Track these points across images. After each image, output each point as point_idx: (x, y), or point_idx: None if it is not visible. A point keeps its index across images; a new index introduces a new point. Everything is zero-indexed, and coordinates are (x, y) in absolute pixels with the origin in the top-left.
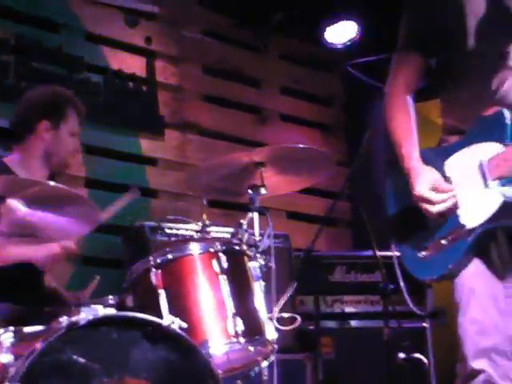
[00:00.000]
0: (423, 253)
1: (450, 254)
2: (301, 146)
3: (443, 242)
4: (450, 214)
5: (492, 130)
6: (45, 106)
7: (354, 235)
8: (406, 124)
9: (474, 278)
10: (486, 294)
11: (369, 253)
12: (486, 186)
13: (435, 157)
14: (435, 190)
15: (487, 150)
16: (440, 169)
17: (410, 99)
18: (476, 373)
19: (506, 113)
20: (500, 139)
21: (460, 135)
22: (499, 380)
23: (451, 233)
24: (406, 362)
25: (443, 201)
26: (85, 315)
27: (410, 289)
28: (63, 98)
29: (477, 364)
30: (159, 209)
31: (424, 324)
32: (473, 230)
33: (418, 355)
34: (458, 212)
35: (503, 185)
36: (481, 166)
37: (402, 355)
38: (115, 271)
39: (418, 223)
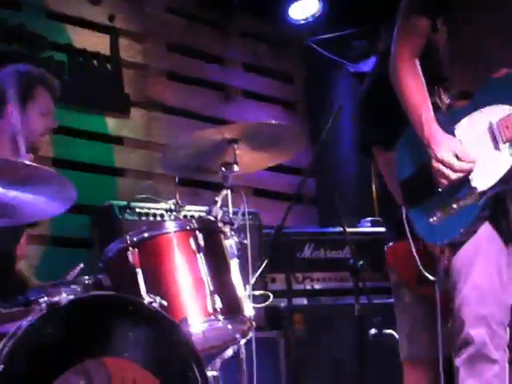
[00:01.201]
0: (434, 217)
1: (460, 218)
2: (273, 122)
3: (454, 206)
4: (463, 176)
5: (502, 92)
6: (9, 90)
7: (320, 212)
8: (419, 90)
9: (481, 243)
10: (490, 261)
11: (336, 229)
12: (497, 148)
13: (445, 121)
14: (456, 156)
15: (497, 113)
16: (451, 133)
17: (417, 63)
18: (471, 340)
19: None
20: (511, 101)
21: (469, 96)
22: (493, 350)
23: (463, 196)
24: (377, 338)
25: (464, 169)
26: (65, 296)
27: (382, 263)
28: (29, 78)
29: (474, 331)
30: (127, 188)
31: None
32: (483, 193)
33: (389, 331)
34: (470, 176)
35: None
36: (491, 129)
37: (373, 331)
38: (84, 251)
39: (428, 188)
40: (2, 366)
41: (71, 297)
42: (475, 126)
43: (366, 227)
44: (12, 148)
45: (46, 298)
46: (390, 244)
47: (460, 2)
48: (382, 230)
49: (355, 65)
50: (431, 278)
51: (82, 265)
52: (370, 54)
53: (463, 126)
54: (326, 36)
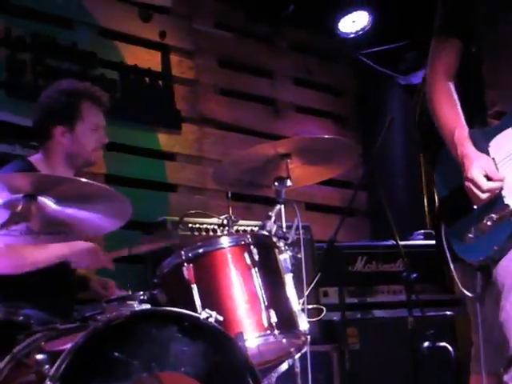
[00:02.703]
0: (469, 235)
1: (495, 235)
2: (325, 136)
3: (488, 223)
4: (496, 195)
5: None
6: (57, 111)
7: (371, 225)
8: (453, 110)
9: None
10: None
11: (389, 242)
12: None
13: (480, 138)
14: (487, 176)
15: None
16: (484, 150)
17: (452, 85)
18: None
19: None
20: None
21: (501, 117)
22: None
23: (496, 213)
24: (431, 351)
25: (492, 189)
26: (122, 311)
27: (435, 276)
28: (74, 95)
29: None
30: (178, 203)
31: (448, 312)
32: None
33: (443, 344)
34: (503, 193)
35: None
36: None
37: (426, 344)
38: (139, 266)
39: (465, 206)
40: (60, 383)
41: (127, 313)
42: (509, 143)
43: (419, 240)
44: (67, 166)
45: (102, 315)
46: None
47: (489, 27)
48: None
49: (406, 77)
50: (469, 294)
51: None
52: (420, 66)
53: (497, 144)
54: (377, 49)
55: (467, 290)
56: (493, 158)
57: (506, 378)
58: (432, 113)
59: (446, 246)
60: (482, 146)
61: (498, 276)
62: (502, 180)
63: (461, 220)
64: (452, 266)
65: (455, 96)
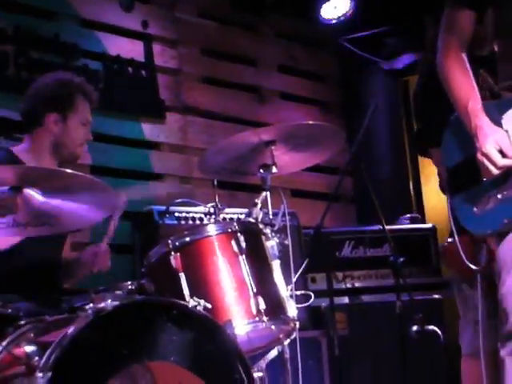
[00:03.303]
0: (478, 206)
1: (505, 209)
2: (310, 122)
3: (499, 196)
4: (509, 170)
5: None
6: (52, 99)
7: (357, 210)
8: (467, 81)
9: None
10: None
11: (375, 227)
12: None
13: (493, 110)
14: (501, 152)
15: None
16: (497, 122)
17: (465, 56)
18: None
19: None
20: None
21: None
22: None
23: (507, 189)
24: (419, 335)
25: (507, 165)
26: (110, 301)
27: (422, 260)
28: (71, 87)
29: None
30: (164, 193)
31: (436, 295)
32: None
33: (431, 327)
34: None
35: None
36: None
37: (415, 328)
38: (126, 256)
39: (473, 177)
40: (51, 374)
41: (116, 303)
42: None
43: (405, 224)
44: (52, 157)
45: (91, 305)
46: (447, 242)
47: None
48: (421, 226)
49: (389, 62)
50: (473, 267)
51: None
52: (402, 51)
53: (511, 117)
54: (359, 35)
55: (473, 265)
56: (506, 130)
57: (502, 352)
58: (444, 83)
59: (451, 218)
60: (496, 118)
61: (501, 250)
62: None
63: (468, 192)
64: (457, 239)
65: (468, 67)
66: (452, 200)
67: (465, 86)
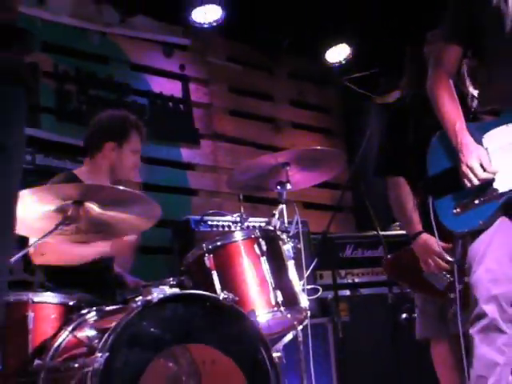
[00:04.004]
0: (458, 209)
1: (481, 211)
2: (317, 147)
3: (476, 202)
4: (487, 181)
5: None
6: (111, 130)
7: (356, 219)
8: (454, 105)
9: (496, 233)
10: (503, 250)
11: (371, 233)
12: None
13: (475, 131)
14: (481, 166)
15: None
16: (479, 141)
17: (452, 83)
18: (484, 315)
19: None
20: None
21: (494, 114)
22: (503, 324)
23: (485, 195)
24: (407, 322)
25: (486, 178)
26: (156, 294)
27: None
28: (127, 122)
29: (486, 307)
30: (199, 205)
31: None
32: (504, 193)
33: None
34: (494, 179)
35: None
36: None
37: (404, 316)
38: (167, 257)
39: (455, 184)
40: (108, 354)
41: (161, 296)
42: (502, 137)
43: (395, 230)
44: (107, 178)
45: (140, 297)
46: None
47: (487, 37)
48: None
49: (381, 97)
50: (450, 258)
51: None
52: (393, 88)
53: (491, 137)
54: (358, 75)
55: (449, 257)
56: (486, 148)
57: (471, 331)
58: (435, 107)
59: (432, 218)
60: (477, 138)
61: (474, 246)
62: (494, 173)
63: (449, 196)
64: (437, 235)
65: (454, 93)
66: (434, 203)
67: (453, 111)
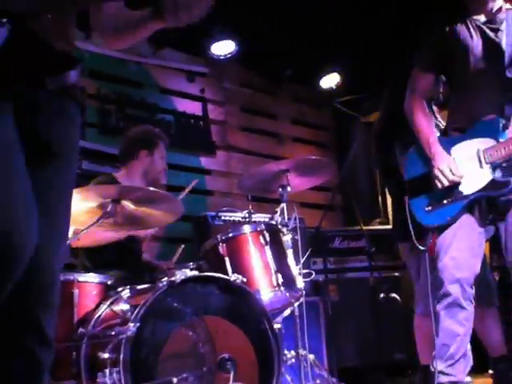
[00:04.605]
0: (429, 207)
1: (448, 210)
2: (313, 157)
3: (445, 201)
4: (454, 184)
5: (489, 131)
6: (145, 141)
7: (344, 216)
8: (428, 123)
9: (459, 228)
10: (465, 241)
11: (356, 228)
12: (481, 167)
13: (444, 143)
14: (450, 170)
15: (484, 143)
16: (448, 152)
17: (425, 104)
18: (449, 294)
19: (501, 120)
20: (494, 137)
21: (461, 131)
22: (464, 302)
23: (452, 196)
24: (385, 300)
25: (454, 180)
26: (179, 276)
27: (387, 249)
28: (155, 134)
29: (450, 288)
30: (214, 203)
31: (396, 273)
32: (467, 195)
33: (393, 295)
34: (460, 183)
35: (493, 168)
36: (478, 153)
37: (382, 295)
38: (188, 245)
39: (428, 187)
40: (138, 324)
41: (182, 277)
42: (467, 150)
43: (376, 225)
44: (141, 180)
45: (166, 278)
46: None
47: (455, 67)
48: (386, 227)
49: (365, 117)
50: (422, 248)
51: (183, 245)
52: (375, 110)
53: (458, 149)
54: (346, 98)
55: (421, 246)
56: (453, 158)
57: (438, 307)
58: (412, 124)
59: (408, 215)
60: (446, 149)
61: (441, 237)
62: (461, 176)
63: (422, 196)
64: (411, 228)
65: (428, 112)
66: (410, 202)
67: (426, 127)
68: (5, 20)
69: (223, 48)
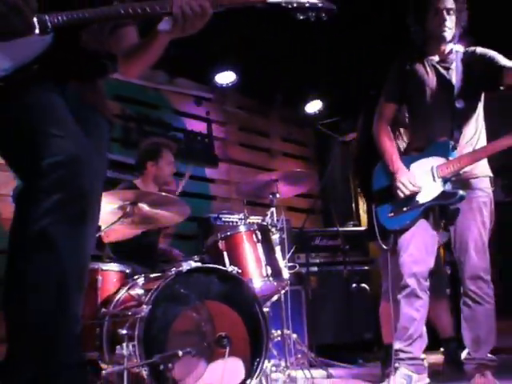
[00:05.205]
0: (391, 214)
1: (407, 215)
2: (298, 169)
3: (405, 209)
4: (412, 194)
5: (441, 151)
6: (148, 153)
7: (323, 219)
8: (391, 144)
9: (416, 230)
10: (421, 241)
11: (333, 229)
12: (434, 180)
13: (405, 162)
14: (410, 183)
15: (437, 161)
16: (408, 168)
17: (389, 129)
18: (407, 286)
19: (451, 142)
20: (445, 156)
21: (419, 151)
22: (419, 292)
23: (410, 205)
24: (356, 289)
25: (413, 191)
26: (185, 266)
27: (359, 247)
28: (158, 144)
29: (409, 281)
30: (216, 207)
31: (366, 267)
32: (423, 204)
33: (363, 285)
34: (416, 194)
35: (444, 182)
36: (432, 169)
37: (354, 285)
38: (193, 242)
39: (390, 196)
40: (151, 306)
41: (188, 267)
42: (423, 166)
43: (350, 226)
44: (154, 185)
45: (174, 268)
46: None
47: (414, 98)
48: (358, 228)
49: (342, 137)
50: (385, 247)
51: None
52: (351, 131)
53: (416, 165)
54: (327, 121)
55: (385, 246)
56: (412, 173)
57: (399, 296)
58: (378, 145)
59: (375, 220)
60: (407, 165)
61: (401, 238)
62: (419, 188)
63: (386, 205)
64: (377, 231)
65: (392, 136)
66: (376, 209)
67: (390, 147)
68: (50, 30)
69: (225, 78)
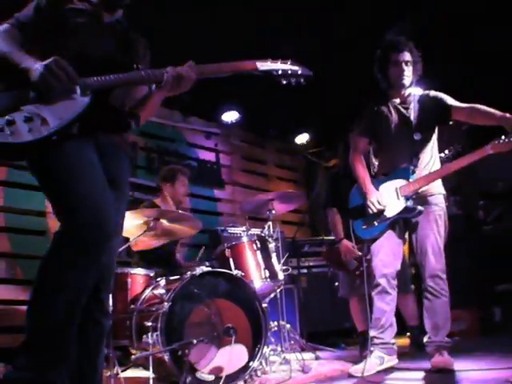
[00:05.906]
0: (364, 226)
1: (377, 228)
2: (290, 190)
3: (375, 222)
4: (381, 210)
5: (403, 174)
6: (167, 177)
7: (311, 230)
8: (364, 172)
9: (385, 239)
10: (389, 248)
11: (319, 238)
12: (398, 198)
13: (375, 183)
14: (378, 201)
15: (400, 183)
16: (377, 189)
17: (362, 158)
18: (379, 284)
19: (411, 167)
20: (406, 178)
21: (386, 175)
22: (389, 289)
23: (379, 219)
24: (338, 287)
25: (380, 208)
26: (198, 270)
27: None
28: (174, 170)
29: (380, 280)
30: (223, 221)
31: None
32: (389, 218)
33: None
34: (384, 210)
35: (406, 199)
36: (396, 190)
37: (336, 284)
38: (205, 250)
39: (363, 212)
40: (171, 303)
41: (201, 271)
42: (389, 187)
43: (332, 236)
44: (171, 204)
45: (189, 272)
46: (324, 251)
47: (381, 133)
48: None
49: (326, 163)
50: (360, 253)
51: (203, 247)
52: (334, 158)
53: (384, 187)
54: (313, 150)
55: (360, 251)
56: (380, 193)
57: (373, 293)
58: (353, 171)
59: (351, 231)
60: (376, 187)
61: (373, 246)
62: (385, 205)
63: (360, 219)
64: (353, 240)
65: (364, 164)
66: (352, 223)
67: (363, 172)
68: (89, 92)
69: (230, 116)
